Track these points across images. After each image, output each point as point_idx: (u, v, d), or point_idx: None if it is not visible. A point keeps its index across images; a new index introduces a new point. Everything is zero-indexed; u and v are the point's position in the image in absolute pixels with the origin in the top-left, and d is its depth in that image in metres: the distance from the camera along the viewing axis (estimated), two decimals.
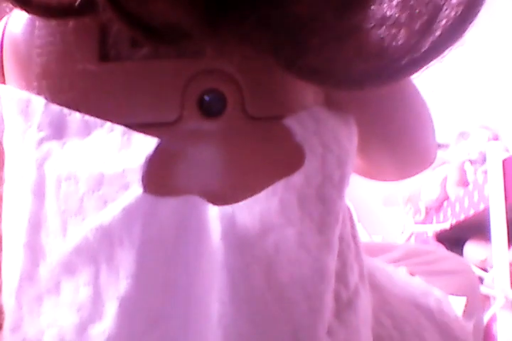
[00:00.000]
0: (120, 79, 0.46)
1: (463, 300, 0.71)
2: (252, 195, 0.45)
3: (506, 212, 1.60)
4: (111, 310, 0.44)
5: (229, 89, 0.46)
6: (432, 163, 0.66)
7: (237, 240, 0.44)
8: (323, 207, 0.47)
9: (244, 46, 0.42)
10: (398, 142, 0.59)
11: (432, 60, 0.41)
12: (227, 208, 0.44)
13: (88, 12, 0.43)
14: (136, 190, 0.44)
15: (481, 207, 1.66)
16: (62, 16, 0.44)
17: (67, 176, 0.45)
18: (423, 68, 0.42)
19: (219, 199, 0.45)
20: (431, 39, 0.41)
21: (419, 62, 0.42)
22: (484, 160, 1.78)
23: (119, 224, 0.44)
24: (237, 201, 0.45)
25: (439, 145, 2.09)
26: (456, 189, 1.89)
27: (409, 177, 0.68)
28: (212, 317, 0.44)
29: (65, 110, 0.46)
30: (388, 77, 0.43)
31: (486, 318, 1.61)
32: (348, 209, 0.54)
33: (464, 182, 1.89)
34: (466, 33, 0.40)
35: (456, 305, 0.70)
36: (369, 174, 0.66)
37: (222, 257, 0.44)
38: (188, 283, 0.45)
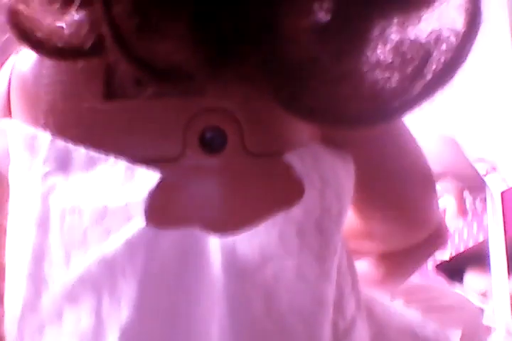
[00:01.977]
0: (124, 117, 0.48)
1: (458, 333, 0.72)
2: (252, 227, 0.46)
3: (506, 244, 1.60)
4: (112, 339, 0.44)
5: (229, 127, 0.48)
6: (434, 225, 0.65)
7: (238, 270, 0.45)
8: (322, 239, 0.49)
9: (245, 87, 0.43)
10: (390, 188, 0.60)
11: (423, 102, 0.43)
12: (229, 240, 0.46)
13: (96, 54, 0.45)
14: (139, 222, 0.45)
15: (481, 238, 1.67)
16: (71, 58, 0.46)
17: (71, 209, 0.47)
18: (414, 109, 0.44)
19: (220, 231, 0.46)
20: (422, 83, 0.43)
21: (410, 103, 0.44)
22: (482, 188, 1.79)
23: (121, 256, 0.45)
24: (237, 233, 0.46)
25: (437, 178, 2.11)
26: (455, 221, 1.89)
27: (402, 241, 0.67)
28: None
29: (71, 146, 0.48)
30: (381, 117, 0.45)
31: None
32: (347, 243, 0.55)
33: (463, 211, 1.89)
34: (455, 76, 0.43)
35: (454, 339, 0.70)
36: (361, 236, 0.65)
37: (222, 287, 0.45)
38: (189, 313, 0.46)
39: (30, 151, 0.49)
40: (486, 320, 1.60)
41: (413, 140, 0.59)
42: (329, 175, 0.50)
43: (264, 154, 0.49)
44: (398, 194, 0.60)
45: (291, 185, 0.49)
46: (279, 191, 0.49)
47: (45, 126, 0.49)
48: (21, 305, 0.48)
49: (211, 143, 0.48)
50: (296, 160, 0.49)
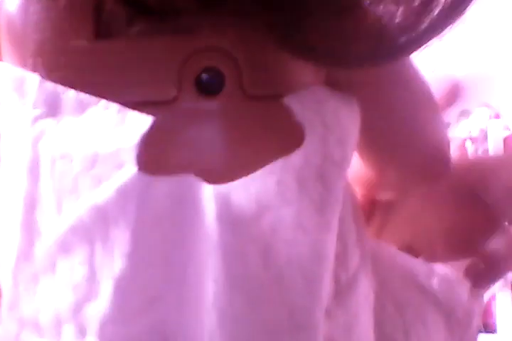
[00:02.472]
0: (115, 57, 0.46)
1: (465, 283, 0.71)
2: (249, 172, 0.45)
3: None
4: (106, 289, 0.44)
5: (227, 68, 0.46)
6: (443, 166, 0.64)
7: (232, 220, 0.44)
8: (323, 187, 0.47)
9: (239, 22, 0.41)
10: (399, 132, 0.58)
11: (430, 39, 0.41)
12: (222, 188, 0.44)
13: None
14: (130, 169, 0.44)
15: None
16: None
17: (61, 155, 0.45)
18: (422, 47, 0.42)
19: (215, 177, 0.45)
20: (430, 17, 0.40)
21: (417, 40, 0.41)
22: (485, 138, 1.77)
23: (113, 204, 0.43)
24: (233, 179, 0.44)
25: None
26: None
27: (414, 186, 0.66)
28: (207, 298, 0.44)
29: (60, 88, 0.46)
30: (386, 55, 0.43)
31: (485, 297, 1.61)
32: (353, 191, 0.53)
33: None
34: (466, 10, 0.40)
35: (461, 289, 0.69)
36: (368, 182, 0.64)
37: (216, 237, 0.43)
38: (184, 263, 0.44)
39: (18, 94, 0.47)
40: None
41: (423, 81, 0.57)
42: (332, 119, 0.48)
43: (264, 97, 0.47)
44: (407, 133, 0.58)
45: (291, 130, 0.47)
46: (278, 136, 0.47)
47: (34, 67, 0.47)
48: (15, 253, 0.47)
49: (208, 85, 0.46)
50: (297, 103, 0.47)
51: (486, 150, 1.68)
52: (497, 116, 1.90)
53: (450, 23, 0.41)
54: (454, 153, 2.04)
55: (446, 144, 0.65)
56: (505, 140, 1.62)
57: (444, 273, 0.67)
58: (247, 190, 0.44)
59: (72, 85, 0.46)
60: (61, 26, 0.46)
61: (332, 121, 0.48)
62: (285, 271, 0.44)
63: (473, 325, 0.70)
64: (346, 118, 0.50)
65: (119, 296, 0.43)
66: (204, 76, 0.45)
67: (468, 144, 1.93)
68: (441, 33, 0.41)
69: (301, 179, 0.46)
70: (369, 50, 0.42)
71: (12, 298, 0.47)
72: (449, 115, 2.03)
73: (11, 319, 0.46)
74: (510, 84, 1.98)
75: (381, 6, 0.41)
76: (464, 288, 0.71)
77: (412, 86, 0.56)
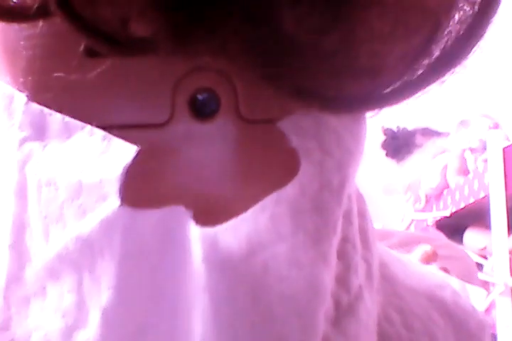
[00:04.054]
0: (104, 77, 0.42)
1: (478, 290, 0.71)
2: (244, 208, 0.42)
3: (506, 200, 1.61)
4: (94, 318, 0.43)
5: (223, 89, 0.42)
6: None
7: (220, 262, 0.42)
8: (319, 219, 0.44)
9: (221, 62, 0.38)
10: None
11: (429, 84, 0.38)
12: (209, 229, 0.42)
13: (42, 16, 0.40)
14: (114, 202, 0.42)
15: (481, 195, 1.67)
16: (20, 20, 0.42)
17: (47, 182, 0.44)
18: (420, 92, 0.38)
19: (206, 212, 0.42)
20: (427, 61, 0.37)
21: (415, 85, 0.38)
22: (485, 148, 1.78)
23: (98, 236, 0.42)
24: (226, 215, 0.42)
25: (440, 134, 2.10)
26: (456, 177, 1.90)
27: None
28: (196, 335, 0.43)
29: (46, 110, 0.44)
30: (380, 100, 0.40)
31: (485, 305, 1.62)
32: (363, 201, 0.51)
33: (464, 171, 1.89)
34: (469, 55, 0.36)
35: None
36: None
37: (204, 280, 0.42)
38: (174, 298, 0.43)
39: (7, 114, 0.46)
40: (483, 276, 1.62)
41: None
42: (331, 142, 0.45)
43: (260, 121, 0.43)
44: None
45: (286, 158, 0.43)
46: (272, 165, 0.43)
47: (24, 86, 0.45)
48: (5, 275, 0.47)
49: (203, 107, 0.43)
50: (292, 128, 0.44)
51: (485, 161, 1.70)
52: (496, 126, 1.92)
53: (451, 68, 0.37)
54: (453, 164, 2.01)
55: None
56: (504, 150, 1.63)
57: (459, 284, 0.65)
58: (236, 229, 0.43)
59: (59, 108, 0.43)
60: (50, 43, 0.43)
61: (331, 144, 0.45)
62: (277, 309, 0.43)
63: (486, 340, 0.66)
64: (349, 139, 0.46)
65: (107, 327, 0.43)
66: (199, 97, 0.42)
67: (468, 154, 1.95)
68: (441, 79, 0.37)
69: (296, 212, 0.43)
70: (361, 94, 0.39)
71: (4, 319, 0.46)
72: (448, 125, 2.05)
73: (2, 340, 0.47)
74: (510, 94, 1.99)
75: (376, 44, 0.36)
76: (477, 301, 0.69)
77: None
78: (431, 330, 0.58)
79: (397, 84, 0.38)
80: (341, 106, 0.40)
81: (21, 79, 0.45)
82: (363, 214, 0.54)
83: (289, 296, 0.43)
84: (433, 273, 0.68)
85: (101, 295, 0.43)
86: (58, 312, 0.44)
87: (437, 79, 0.38)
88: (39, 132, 0.45)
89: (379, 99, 0.40)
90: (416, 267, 0.67)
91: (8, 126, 0.46)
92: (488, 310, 1.65)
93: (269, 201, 0.43)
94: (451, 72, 0.38)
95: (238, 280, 0.43)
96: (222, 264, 0.43)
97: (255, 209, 0.42)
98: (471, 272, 0.84)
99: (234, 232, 0.43)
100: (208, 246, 0.42)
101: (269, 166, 0.44)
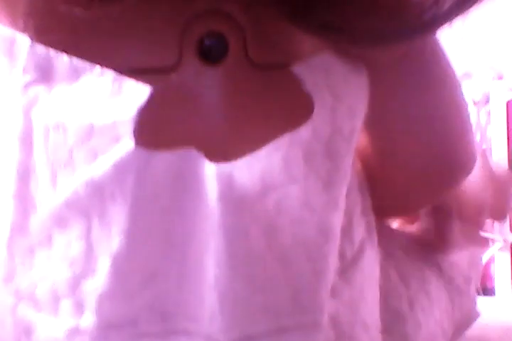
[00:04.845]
0: (111, 22, 0.42)
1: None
2: (255, 148, 0.42)
3: (508, 153, 1.59)
4: (104, 266, 0.42)
5: (231, 33, 0.42)
6: (471, 164, 0.57)
7: (235, 200, 0.42)
8: (331, 164, 0.44)
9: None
10: (420, 120, 0.54)
11: (455, 17, 0.38)
12: (225, 167, 0.42)
13: None
14: (128, 143, 0.41)
15: (483, 148, 1.65)
16: None
17: (55, 125, 0.42)
18: (445, 25, 0.39)
19: (218, 153, 0.42)
20: None
21: (441, 18, 0.38)
22: (487, 100, 1.75)
23: (110, 179, 0.41)
24: (237, 155, 0.42)
25: None
26: None
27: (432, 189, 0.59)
28: (208, 278, 0.42)
29: (52, 52, 0.43)
30: (407, 33, 0.40)
31: (484, 259, 1.62)
32: (357, 162, 0.51)
33: None
34: None
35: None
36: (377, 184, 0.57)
37: (218, 218, 0.41)
38: (185, 242, 0.43)
39: (9, 57, 0.44)
40: (483, 232, 1.61)
41: (450, 68, 0.53)
42: (342, 88, 0.45)
43: (270, 65, 0.43)
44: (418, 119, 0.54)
45: (299, 101, 0.43)
46: (285, 108, 0.43)
47: (25, 30, 0.43)
48: (9, 226, 0.45)
49: (210, 51, 0.42)
50: (305, 71, 0.44)
51: (488, 113, 1.67)
52: (500, 78, 1.88)
53: (476, 2, 0.37)
54: None
55: (470, 143, 0.57)
56: (508, 103, 1.60)
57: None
58: (251, 167, 0.42)
59: (65, 50, 0.42)
60: None
61: (342, 90, 0.45)
62: (290, 252, 0.43)
63: (472, 292, 0.70)
64: (356, 88, 0.47)
65: (117, 273, 0.42)
66: (207, 41, 0.42)
67: (470, 107, 1.91)
68: (467, 11, 0.38)
69: (309, 154, 0.43)
70: (386, 28, 0.39)
71: (7, 270, 0.46)
72: None
73: (6, 291, 0.45)
74: None
75: None
76: (463, 256, 0.71)
77: (433, 67, 0.52)
78: (426, 287, 0.60)
79: (426, 17, 0.38)
80: (369, 42, 0.40)
81: (22, 24, 0.43)
82: (360, 175, 0.53)
83: (302, 240, 0.43)
84: (424, 235, 0.68)
85: (111, 242, 0.41)
86: (65, 262, 0.43)
87: (464, 10, 0.38)
88: (45, 75, 0.43)
89: (407, 32, 0.39)
90: (408, 231, 0.67)
91: (9, 70, 0.44)
92: (487, 265, 1.65)
93: (282, 142, 0.42)
94: (477, 3, 0.37)
95: (253, 220, 0.42)
96: (237, 203, 0.41)
97: (269, 149, 0.42)
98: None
99: (248, 170, 0.42)
100: (224, 184, 0.41)
101: (281, 109, 0.43)
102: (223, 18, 0.42)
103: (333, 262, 0.44)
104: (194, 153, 0.42)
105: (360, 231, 0.50)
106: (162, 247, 0.42)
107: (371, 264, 0.50)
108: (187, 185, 0.42)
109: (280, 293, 0.43)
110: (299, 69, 0.44)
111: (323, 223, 0.44)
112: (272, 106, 0.43)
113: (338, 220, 0.44)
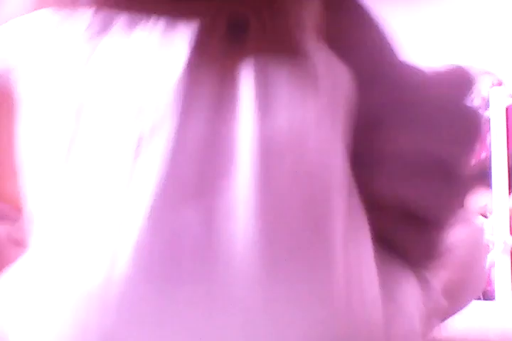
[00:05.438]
0: None
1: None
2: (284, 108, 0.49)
3: (508, 159, 1.60)
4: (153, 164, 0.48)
5: (253, 16, 0.51)
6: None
7: (267, 147, 0.48)
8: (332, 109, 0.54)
9: None
10: None
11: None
12: (260, 113, 0.48)
13: None
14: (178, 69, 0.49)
15: (483, 155, 1.66)
16: None
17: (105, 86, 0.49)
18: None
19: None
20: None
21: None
22: (487, 106, 1.76)
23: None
24: (267, 110, 0.48)
25: None
26: None
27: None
28: (238, 204, 0.46)
29: (113, 11, 0.51)
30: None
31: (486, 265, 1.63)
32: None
33: None
34: None
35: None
36: None
37: (249, 163, 0.47)
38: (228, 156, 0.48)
39: (73, 15, 0.51)
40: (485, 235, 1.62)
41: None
42: (335, 69, 0.53)
43: (285, 41, 0.51)
44: None
45: (310, 71, 0.51)
46: (302, 71, 0.51)
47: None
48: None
49: (237, 26, 0.51)
50: (312, 49, 0.52)
51: (487, 120, 1.68)
52: (500, 84, 1.89)
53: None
54: None
55: None
56: (507, 109, 1.61)
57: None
58: (287, 119, 0.49)
59: (124, 8, 0.51)
60: None
61: (337, 70, 0.53)
62: (314, 190, 0.48)
63: None
64: (344, 81, 0.54)
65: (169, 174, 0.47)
66: (234, 19, 0.51)
67: None
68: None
69: (331, 103, 0.52)
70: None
71: None
72: None
73: None
74: None
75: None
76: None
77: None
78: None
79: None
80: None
81: None
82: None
83: (324, 180, 0.49)
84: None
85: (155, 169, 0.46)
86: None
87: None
88: (105, 29, 0.50)
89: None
90: None
91: (75, 26, 0.51)
92: (488, 268, 1.66)
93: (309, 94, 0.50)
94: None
95: (281, 164, 0.48)
96: (269, 149, 0.48)
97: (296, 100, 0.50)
98: (479, 238, 0.86)
99: (285, 121, 0.49)
100: (259, 129, 0.48)
101: (298, 72, 0.50)
102: (248, 5, 0.52)
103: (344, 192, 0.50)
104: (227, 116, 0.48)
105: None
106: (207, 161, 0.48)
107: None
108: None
109: (300, 218, 0.47)
110: (308, 45, 0.53)
111: (335, 166, 0.51)
112: (291, 69, 0.51)
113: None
